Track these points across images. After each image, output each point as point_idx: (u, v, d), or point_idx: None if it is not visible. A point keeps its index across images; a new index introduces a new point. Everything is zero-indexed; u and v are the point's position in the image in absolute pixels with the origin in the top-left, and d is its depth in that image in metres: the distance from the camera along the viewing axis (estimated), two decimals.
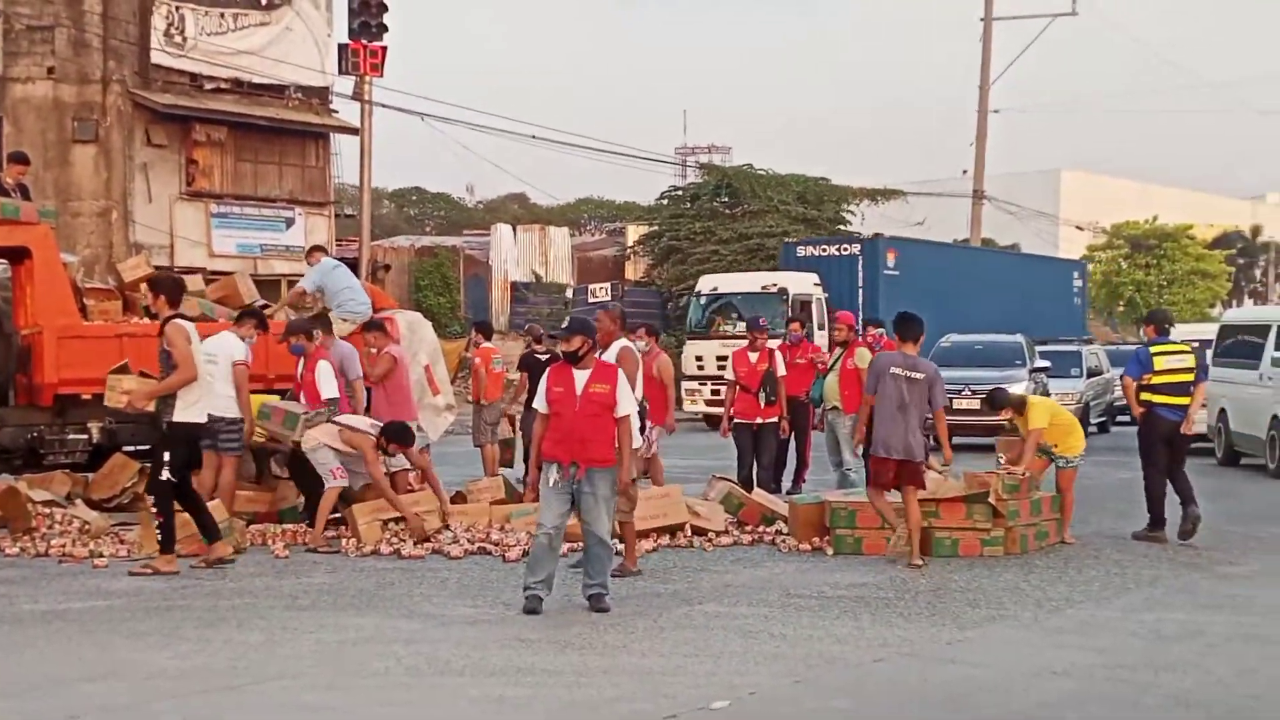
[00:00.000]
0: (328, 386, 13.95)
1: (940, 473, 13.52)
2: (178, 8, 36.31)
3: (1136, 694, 8.06)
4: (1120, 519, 15.14)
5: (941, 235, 48.85)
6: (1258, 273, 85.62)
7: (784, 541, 13.39)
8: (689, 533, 13.54)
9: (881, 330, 17.58)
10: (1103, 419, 30.19)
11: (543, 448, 10.33)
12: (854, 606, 10.44)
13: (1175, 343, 14.64)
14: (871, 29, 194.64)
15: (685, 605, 10.47)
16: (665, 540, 13.32)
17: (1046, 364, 27.15)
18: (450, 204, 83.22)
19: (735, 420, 16.60)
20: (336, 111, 40.26)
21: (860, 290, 32.94)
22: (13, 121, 35.20)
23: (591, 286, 47.09)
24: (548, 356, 17.08)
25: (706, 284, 33.44)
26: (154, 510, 11.80)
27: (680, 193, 50.92)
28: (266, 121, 38.06)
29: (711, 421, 30.46)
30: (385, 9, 37.05)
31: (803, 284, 31.97)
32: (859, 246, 34.41)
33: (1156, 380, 14.16)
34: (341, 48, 37.57)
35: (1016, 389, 18.88)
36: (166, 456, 11.69)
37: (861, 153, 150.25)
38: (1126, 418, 15.13)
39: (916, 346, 12.95)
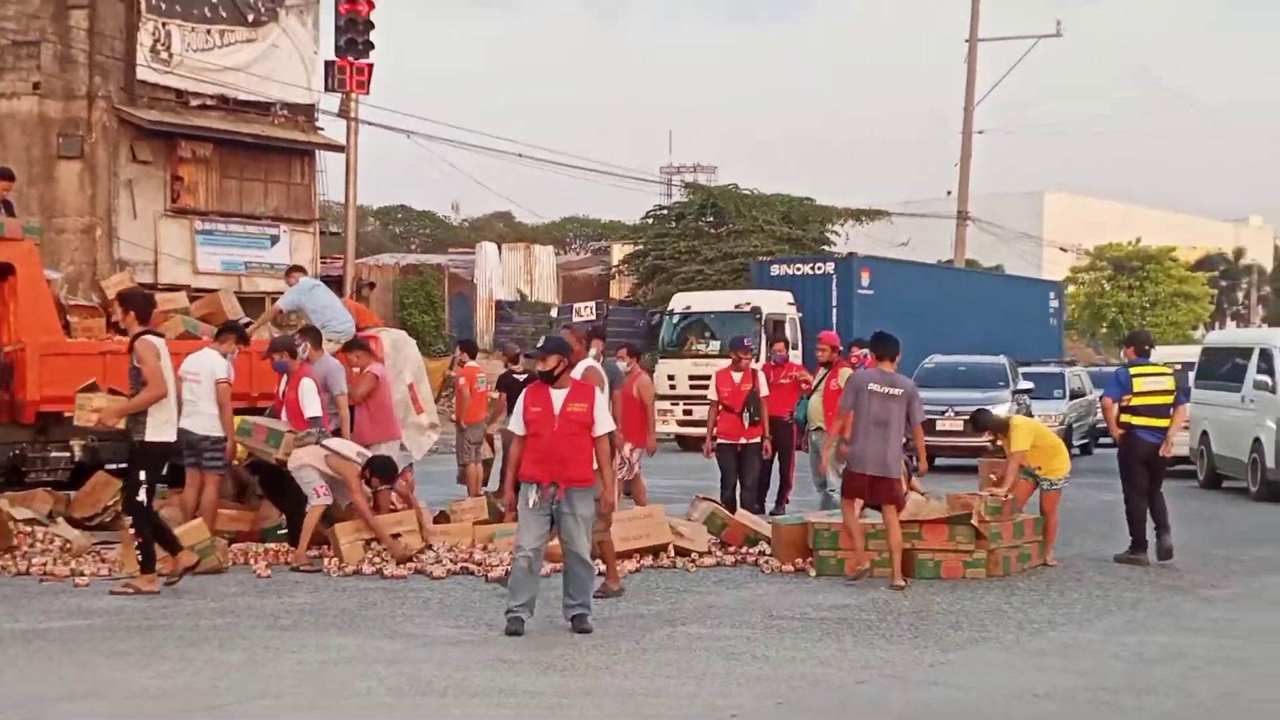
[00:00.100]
0: (311, 405, 13.91)
1: (923, 494, 13.54)
2: (164, 24, 36.28)
3: (1119, 717, 8.08)
4: (1102, 541, 15.17)
5: (926, 256, 48.97)
6: (1240, 295, 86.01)
7: (767, 562, 13.40)
8: (672, 553, 13.53)
9: (866, 351, 17.52)
10: (1085, 441, 30.26)
11: (521, 468, 10.30)
12: (836, 628, 10.45)
13: (1155, 365, 14.68)
14: (857, 50, 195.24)
15: (668, 626, 10.46)
16: (648, 561, 13.31)
17: (1030, 385, 27.23)
18: (435, 222, 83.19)
19: (719, 441, 16.60)
20: (322, 129, 40.24)
21: (834, 309, 32.60)
22: None
23: (576, 305, 47.10)
24: (525, 376, 17.08)
25: (679, 302, 33.04)
26: (133, 530, 11.76)
27: (665, 212, 51.00)
28: (252, 138, 38.01)
29: (684, 441, 30.34)
30: (372, 26, 37.06)
31: (776, 303, 31.61)
32: (833, 265, 34.04)
33: (1136, 402, 14.20)
34: (328, 65, 37.58)
35: (1000, 410, 18.92)
36: (141, 476, 11.64)
37: (846, 173, 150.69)
38: (1109, 439, 15.14)
39: (893, 364, 12.99)
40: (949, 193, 49.95)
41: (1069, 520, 15.24)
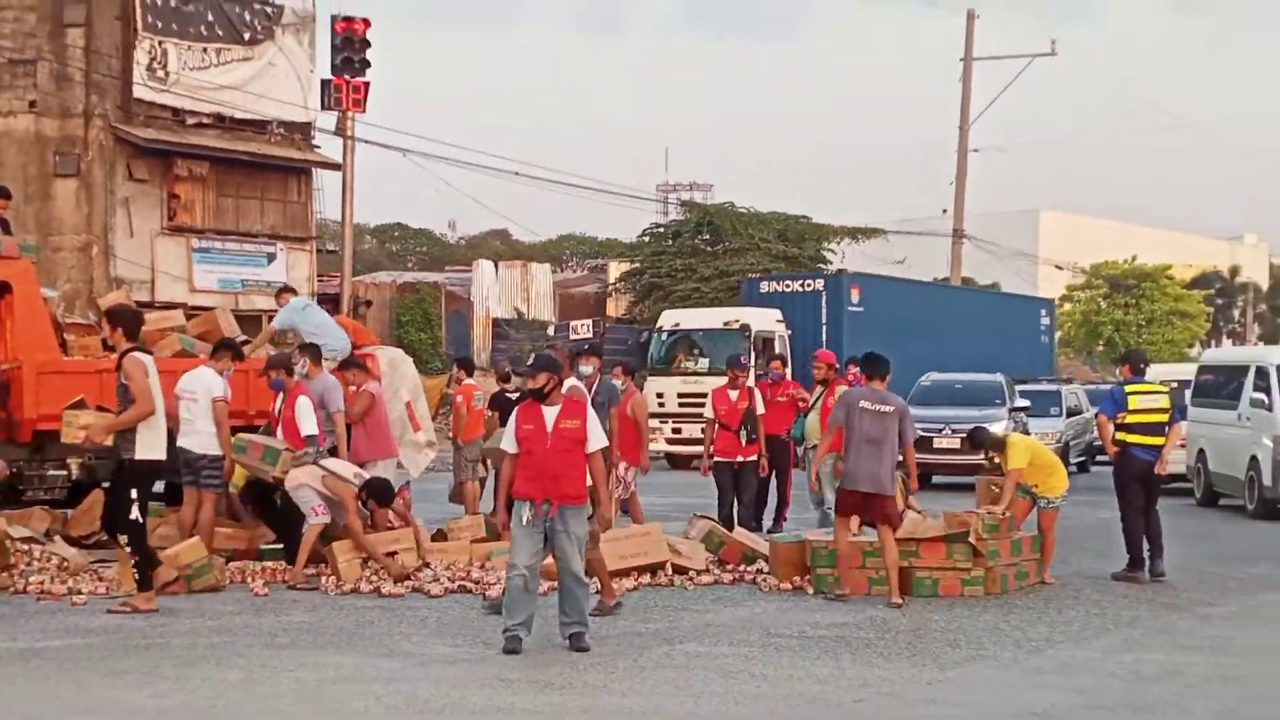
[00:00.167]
0: (307, 423, 13.89)
1: (920, 512, 13.54)
2: (160, 42, 36.36)
3: None
4: (1099, 559, 15.17)
5: (922, 274, 49.02)
6: (1236, 313, 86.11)
7: (765, 580, 13.39)
8: (670, 571, 13.53)
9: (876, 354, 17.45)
10: (1082, 458, 30.26)
11: (514, 486, 10.29)
12: (835, 646, 10.44)
13: (1150, 383, 14.74)
14: (853, 69, 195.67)
15: (666, 644, 10.46)
16: (646, 579, 13.30)
17: (1026, 403, 27.25)
18: (432, 240, 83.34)
19: (716, 459, 16.61)
20: (319, 147, 40.33)
21: (824, 326, 32.40)
22: None
23: (573, 323, 47.07)
24: (517, 394, 17.09)
25: (668, 319, 32.74)
26: (129, 549, 11.74)
27: (662, 230, 51.07)
28: (249, 156, 38.09)
29: (673, 459, 30.23)
30: (368, 45, 37.18)
31: (765, 320, 31.32)
32: (823, 282, 33.83)
33: (1131, 419, 14.23)
34: (324, 83, 37.69)
35: (996, 428, 18.92)
36: (134, 494, 11.62)
37: (842, 191, 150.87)
38: (1106, 457, 15.16)
39: (884, 383, 13.05)
40: (945, 211, 50.08)
41: (1066, 538, 15.24)
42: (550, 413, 10.31)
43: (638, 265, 50.43)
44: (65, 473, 15.30)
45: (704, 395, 28.10)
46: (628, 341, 41.53)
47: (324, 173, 40.79)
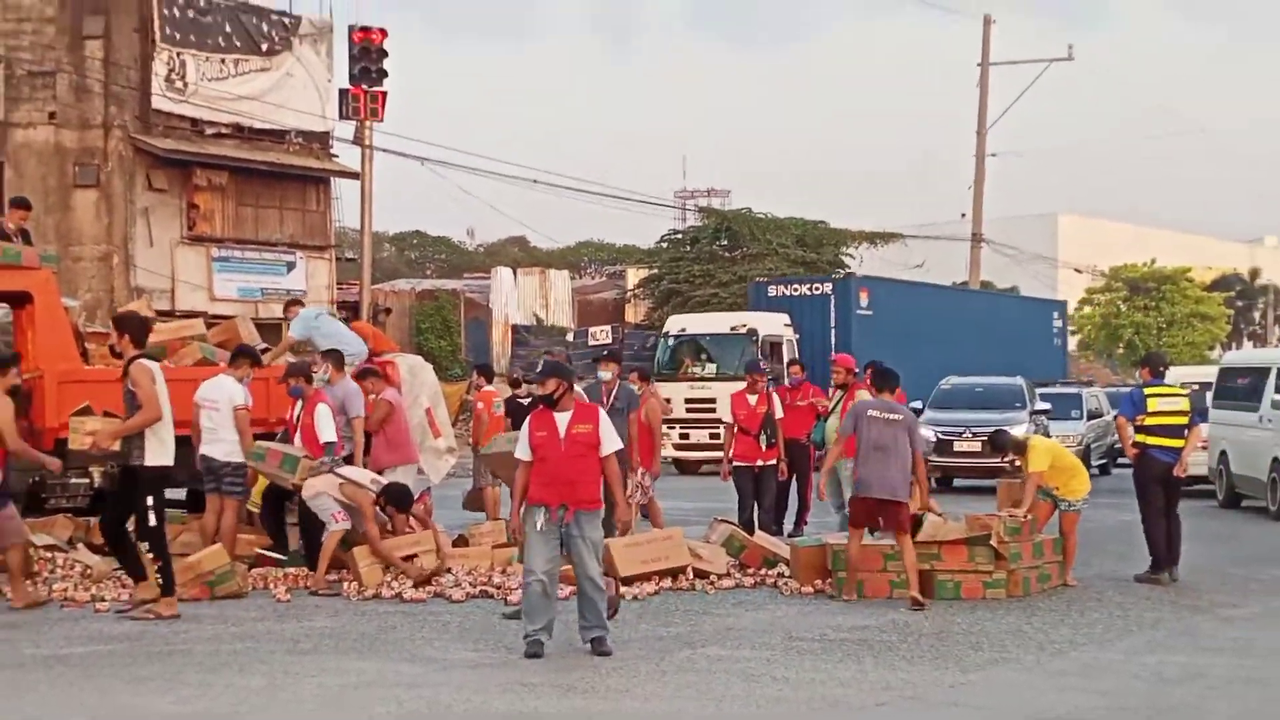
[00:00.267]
0: (327, 430, 13.94)
1: (941, 515, 13.53)
2: (179, 54, 36.47)
3: None
4: (1121, 561, 15.13)
5: (940, 278, 48.92)
6: (1256, 315, 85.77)
7: (786, 584, 13.38)
8: (691, 575, 13.52)
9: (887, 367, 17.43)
10: (1104, 461, 30.17)
11: (530, 492, 10.28)
12: (857, 650, 10.43)
13: (1170, 385, 14.73)
14: (870, 74, 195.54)
15: (688, 648, 10.46)
16: (667, 583, 13.31)
17: (1047, 406, 27.18)
18: (451, 247, 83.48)
19: (735, 463, 16.63)
20: (337, 156, 40.42)
21: (833, 330, 32.02)
22: (14, 166, 35.31)
23: (592, 329, 47.16)
24: (529, 400, 17.14)
25: (675, 324, 32.45)
26: (151, 556, 11.78)
27: (680, 236, 51.09)
28: (267, 166, 38.19)
29: (681, 465, 30.12)
30: (385, 55, 37.21)
31: (773, 324, 30.84)
32: (831, 286, 33.42)
33: (1150, 421, 14.22)
34: (342, 93, 37.72)
35: (1017, 431, 18.89)
36: (150, 501, 11.64)
37: (860, 196, 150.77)
38: (1127, 460, 15.14)
39: (893, 395, 13.14)
40: (963, 215, 49.96)
41: (1088, 540, 15.21)
42: (563, 419, 10.30)
43: (656, 271, 50.43)
44: (88, 481, 15.34)
45: (711, 400, 28.29)
46: (634, 346, 41.54)
47: (342, 181, 40.89)
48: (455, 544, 14.56)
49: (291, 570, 13.77)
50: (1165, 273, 69.87)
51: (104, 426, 12.58)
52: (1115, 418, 15.30)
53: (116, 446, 11.88)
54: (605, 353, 17.68)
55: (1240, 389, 22.27)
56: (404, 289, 51.55)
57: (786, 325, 31.12)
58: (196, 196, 37.10)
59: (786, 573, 13.74)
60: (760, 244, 46.90)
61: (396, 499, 13.59)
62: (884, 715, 8.54)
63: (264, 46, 38.23)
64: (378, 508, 13.48)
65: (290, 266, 38.99)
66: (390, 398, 14.99)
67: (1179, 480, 14.35)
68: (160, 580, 11.73)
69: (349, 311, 35.62)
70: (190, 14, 36.67)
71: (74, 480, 15.27)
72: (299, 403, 14.22)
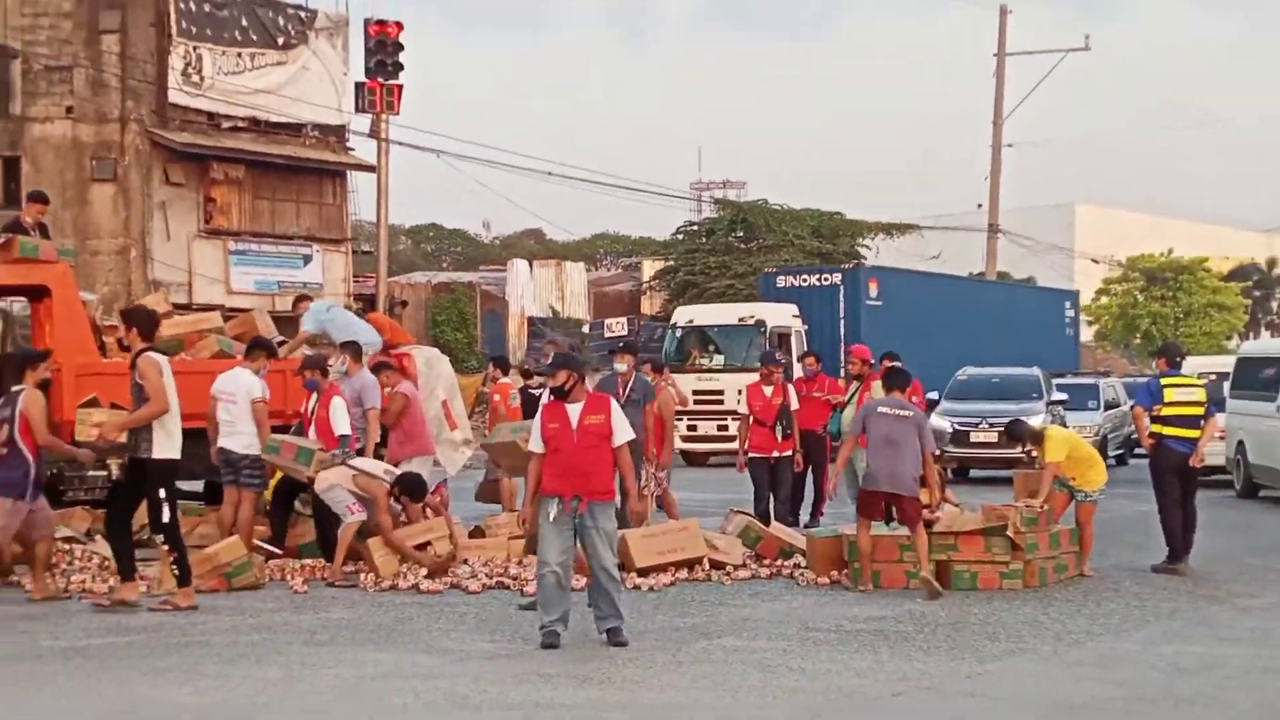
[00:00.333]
0: (342, 423, 13.96)
1: (957, 505, 13.51)
2: (195, 48, 36.57)
3: None
4: (1138, 551, 15.10)
5: (957, 269, 48.83)
6: (1274, 305, 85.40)
7: (802, 575, 13.38)
8: (707, 566, 13.53)
9: (899, 365, 17.41)
10: (1121, 451, 30.08)
11: (543, 483, 10.28)
12: (873, 640, 10.43)
13: (1187, 376, 14.69)
14: (885, 64, 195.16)
15: (704, 639, 10.46)
16: (683, 574, 13.31)
17: (1064, 396, 27.11)
18: (467, 240, 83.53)
19: (751, 455, 16.62)
20: (353, 149, 40.51)
21: (842, 320, 31.75)
22: (31, 161, 35.45)
23: (608, 321, 47.24)
24: (540, 390, 17.18)
25: (682, 315, 32.14)
26: (166, 548, 11.82)
27: (696, 228, 51.08)
28: (284, 160, 38.28)
29: (688, 456, 30.02)
30: (401, 48, 37.25)
31: (781, 315, 30.49)
32: (840, 276, 33.09)
33: (1167, 412, 14.19)
34: (358, 86, 37.78)
35: (1034, 422, 18.84)
36: (162, 494, 11.65)
37: (876, 187, 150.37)
38: (1144, 450, 15.11)
39: (904, 395, 13.12)
40: (979, 206, 49.85)
41: (1104, 531, 15.18)
42: (574, 410, 10.30)
43: (672, 263, 50.43)
44: (105, 473, 15.38)
45: (719, 392, 28.20)
46: (646, 339, 41.47)
47: (358, 175, 40.99)
48: (471, 535, 14.57)
49: (308, 562, 13.81)
50: (1182, 263, 69.64)
51: (110, 418, 12.61)
52: (1132, 408, 15.26)
53: (122, 438, 11.90)
54: (621, 344, 17.70)
55: (1258, 379, 22.20)
56: (420, 281, 51.63)
57: (795, 316, 30.91)
58: (213, 190, 37.22)
59: (803, 564, 13.74)
60: (776, 235, 46.87)
61: (410, 489, 13.61)
62: (900, 706, 8.54)
63: (280, 40, 38.33)
64: (392, 498, 13.51)
65: (307, 260, 39.09)
66: (405, 390, 15.02)
67: (1195, 470, 14.32)
68: (176, 573, 11.76)
69: (365, 304, 35.67)
70: (206, 8, 36.78)
71: (92, 473, 15.33)
72: (313, 396, 14.25)
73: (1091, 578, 13.53)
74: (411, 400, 15.00)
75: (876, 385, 16.18)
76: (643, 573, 13.06)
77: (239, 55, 37.48)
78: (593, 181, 56.95)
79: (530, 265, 53.32)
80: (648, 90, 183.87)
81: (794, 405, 16.64)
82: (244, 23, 37.65)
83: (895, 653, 9.97)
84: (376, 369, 15.05)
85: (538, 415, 10.60)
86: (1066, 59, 46.15)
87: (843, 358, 28.16)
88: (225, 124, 37.33)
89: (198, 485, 16.16)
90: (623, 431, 10.37)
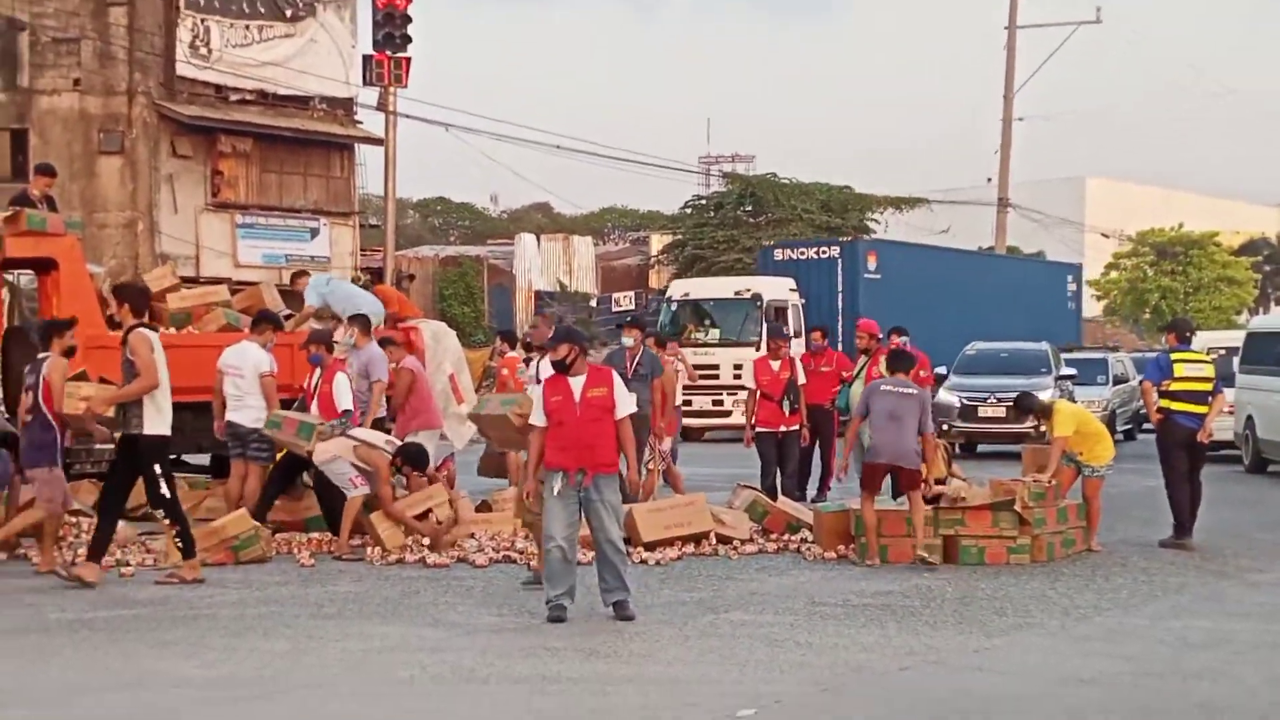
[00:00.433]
0: (345, 398, 13.91)
1: (965, 480, 13.49)
2: (203, 20, 36.49)
3: (1164, 702, 8.03)
4: (1146, 526, 15.08)
5: (967, 243, 48.70)
6: None
7: (809, 549, 13.37)
8: (714, 541, 13.53)
9: (906, 339, 17.38)
10: (1129, 426, 30.04)
11: (546, 457, 10.27)
12: (880, 614, 10.42)
13: (1196, 352, 14.66)
14: (896, 37, 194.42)
15: (711, 613, 10.46)
16: (690, 548, 13.31)
17: (1072, 371, 27.07)
18: (474, 214, 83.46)
19: (758, 429, 16.61)
20: (361, 122, 40.42)
21: (840, 294, 31.63)
22: (39, 133, 35.41)
23: (615, 295, 47.21)
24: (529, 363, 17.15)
25: (678, 289, 31.88)
26: (168, 522, 11.81)
27: (704, 201, 51.01)
28: (291, 133, 38.21)
29: (684, 431, 29.86)
30: (409, 20, 37.09)
31: (778, 289, 30.14)
32: (838, 249, 32.88)
33: (1176, 387, 14.17)
34: (366, 59, 37.63)
35: (1042, 396, 18.82)
36: (157, 470, 11.61)
37: (885, 161, 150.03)
38: (1152, 426, 15.10)
39: (907, 377, 13.13)
40: (989, 179, 49.73)
41: (1112, 506, 15.17)
42: (577, 383, 10.28)
43: (680, 237, 50.34)
44: (112, 446, 15.37)
45: (715, 366, 28.05)
46: (649, 312, 41.36)
47: (366, 148, 40.92)
48: (478, 509, 14.57)
49: (315, 535, 13.81)
50: (1193, 237, 69.42)
51: (98, 393, 12.55)
52: (1141, 383, 15.23)
53: (110, 412, 11.87)
54: (629, 319, 17.65)
55: (1268, 354, 22.15)
56: (428, 255, 51.62)
57: (792, 290, 30.48)
58: (221, 163, 37.16)
59: (809, 538, 13.73)
60: (785, 209, 46.77)
61: (413, 459, 13.58)
62: (907, 680, 8.53)
63: (288, 12, 38.22)
64: (394, 469, 13.48)
65: (314, 233, 39.05)
66: (411, 365, 15.00)
67: (1203, 446, 14.30)
68: (180, 545, 11.76)
69: (373, 277, 35.66)
70: None
71: (99, 446, 15.32)
72: (317, 370, 14.20)
73: (1099, 553, 13.52)
74: (418, 376, 14.97)
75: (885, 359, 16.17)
76: (649, 547, 13.05)
77: (247, 28, 37.39)
78: (601, 155, 56.67)
79: (538, 239, 53.29)
80: (657, 63, 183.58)
81: (801, 380, 16.61)
82: None
83: (902, 627, 9.96)
84: (381, 344, 15.01)
85: (539, 389, 10.57)
86: (1078, 32, 46.05)
87: (840, 331, 28.13)
88: (233, 97, 37.26)
89: (204, 459, 16.16)
90: (625, 404, 10.34)
